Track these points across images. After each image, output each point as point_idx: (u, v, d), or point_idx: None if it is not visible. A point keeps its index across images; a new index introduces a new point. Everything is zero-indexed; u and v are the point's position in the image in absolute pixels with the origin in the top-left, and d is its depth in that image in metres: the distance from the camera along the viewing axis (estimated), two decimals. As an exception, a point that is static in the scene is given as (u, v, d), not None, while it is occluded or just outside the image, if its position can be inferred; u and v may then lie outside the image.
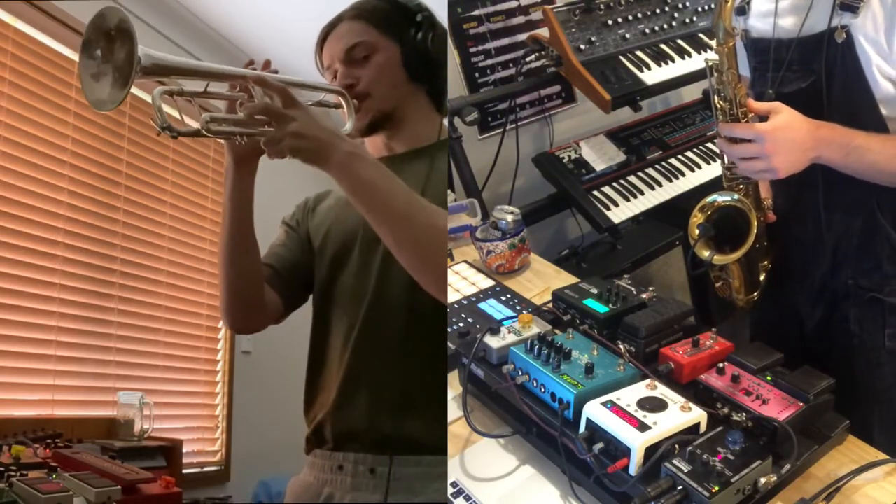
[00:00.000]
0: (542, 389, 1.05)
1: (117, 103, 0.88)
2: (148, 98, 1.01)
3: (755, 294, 1.52)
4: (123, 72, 0.87)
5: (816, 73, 1.28)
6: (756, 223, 1.35)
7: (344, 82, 1.17)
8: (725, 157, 1.37)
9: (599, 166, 2.22)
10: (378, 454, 1.07)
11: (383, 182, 0.97)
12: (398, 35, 1.18)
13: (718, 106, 1.28)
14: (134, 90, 0.93)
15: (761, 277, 1.51)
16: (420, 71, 1.19)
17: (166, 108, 0.95)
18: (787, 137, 1.20)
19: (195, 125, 0.95)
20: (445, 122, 1.24)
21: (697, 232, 1.38)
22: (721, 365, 1.08)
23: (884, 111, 1.25)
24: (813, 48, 1.27)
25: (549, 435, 1.04)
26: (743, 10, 1.42)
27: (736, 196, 1.37)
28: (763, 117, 1.24)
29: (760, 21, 1.39)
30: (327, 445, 1.13)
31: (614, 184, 2.21)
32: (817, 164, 1.25)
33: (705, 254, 1.37)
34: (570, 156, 2.23)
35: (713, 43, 1.27)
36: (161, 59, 0.91)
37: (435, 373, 1.08)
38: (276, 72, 1.03)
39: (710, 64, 1.28)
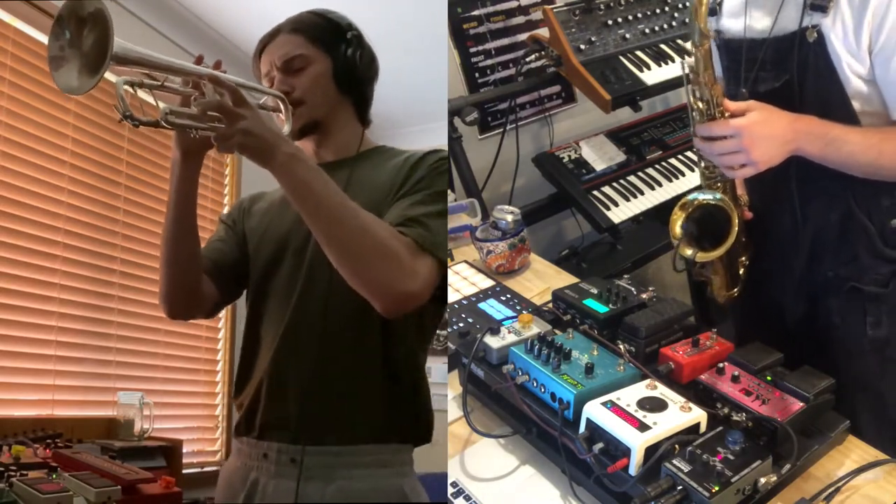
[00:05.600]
0: (542, 389, 1.05)
1: (89, 88, 0.92)
2: (149, 98, 1.02)
3: (735, 290, 1.53)
4: (93, 58, 0.91)
5: (789, 72, 1.29)
6: (737, 220, 1.35)
7: (280, 88, 1.25)
8: (703, 156, 1.38)
9: (599, 166, 2.22)
10: (298, 444, 1.13)
11: (319, 184, 1.03)
12: (330, 50, 1.28)
13: (696, 107, 1.29)
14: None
15: (741, 272, 1.53)
16: (348, 84, 1.28)
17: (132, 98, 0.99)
18: (764, 131, 1.22)
19: (155, 116, 1.00)
20: (366, 133, 1.33)
21: (679, 231, 1.39)
22: (721, 365, 1.09)
23: (856, 106, 1.27)
24: (785, 48, 1.29)
25: (549, 435, 1.04)
26: (714, 11, 1.44)
27: (719, 195, 1.38)
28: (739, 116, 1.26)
29: (732, 21, 1.41)
30: (253, 433, 1.19)
31: (614, 184, 2.21)
32: (791, 158, 1.26)
33: (688, 252, 1.40)
34: (570, 156, 2.23)
35: (688, 45, 1.27)
36: (130, 48, 0.94)
37: (354, 369, 1.14)
38: (224, 72, 1.09)
39: (687, 68, 1.28)
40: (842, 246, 1.36)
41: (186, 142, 1.09)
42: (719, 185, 1.40)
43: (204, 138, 1.03)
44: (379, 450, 1.14)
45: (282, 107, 1.23)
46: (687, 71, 1.28)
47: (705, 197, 1.38)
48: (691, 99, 1.29)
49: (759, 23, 1.34)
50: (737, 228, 1.36)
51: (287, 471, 1.13)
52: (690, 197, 1.40)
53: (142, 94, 1.01)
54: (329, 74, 1.27)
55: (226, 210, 3.04)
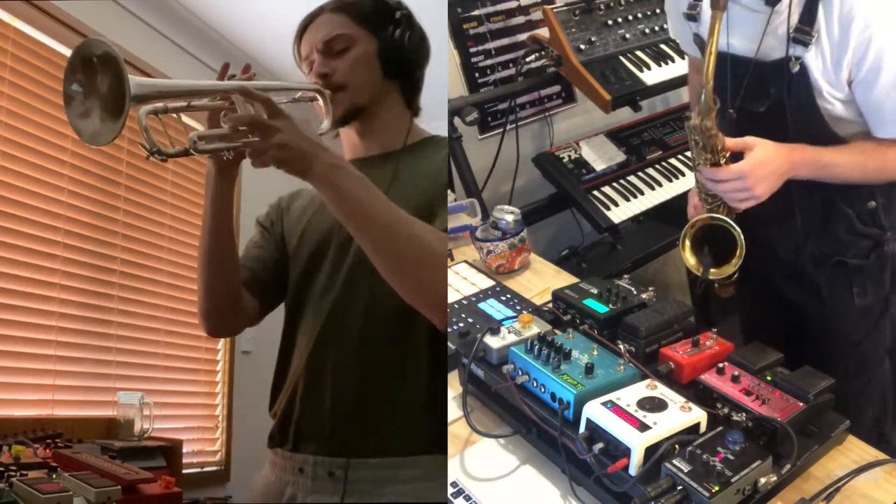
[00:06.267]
0: (542, 389, 1.05)
1: (115, 135, 0.88)
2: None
3: (734, 276, 1.55)
4: (113, 103, 0.87)
5: (775, 96, 1.35)
6: (742, 240, 1.39)
7: (320, 71, 1.18)
8: (700, 185, 1.43)
9: (599, 166, 2.22)
10: (336, 457, 1.08)
11: (364, 194, 0.97)
12: (376, 30, 1.19)
13: (700, 154, 1.35)
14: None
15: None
16: (395, 68, 1.20)
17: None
18: (765, 171, 1.30)
19: (183, 144, 0.96)
20: (416, 121, 1.25)
21: (693, 261, 1.45)
22: (721, 365, 1.09)
23: (833, 124, 1.34)
24: (770, 74, 1.35)
25: (549, 435, 1.04)
26: (694, 18, 1.47)
27: (725, 218, 1.41)
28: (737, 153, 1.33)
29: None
30: (287, 445, 1.14)
31: (614, 184, 2.21)
32: None
33: (701, 271, 1.45)
34: (570, 156, 2.23)
35: (693, 115, 1.31)
36: (149, 85, 0.90)
37: (397, 378, 1.08)
38: (253, 75, 1.04)
39: (692, 127, 1.32)
40: (825, 230, 1.45)
41: (220, 155, 1.04)
42: (719, 206, 1.45)
43: (239, 150, 0.99)
44: (422, 462, 1.07)
45: (320, 99, 1.16)
46: (691, 130, 1.32)
47: (711, 215, 1.43)
48: (694, 147, 1.35)
49: (741, 43, 1.38)
50: (743, 244, 1.39)
51: (325, 485, 1.08)
52: (696, 217, 1.45)
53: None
54: (374, 56, 1.18)
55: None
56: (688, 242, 1.44)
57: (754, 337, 1.66)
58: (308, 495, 1.09)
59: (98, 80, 0.88)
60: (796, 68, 1.30)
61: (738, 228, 1.39)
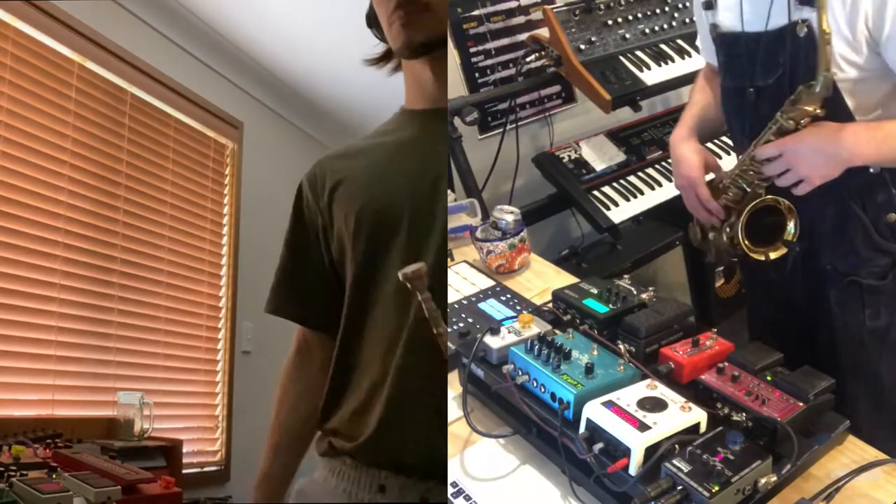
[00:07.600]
0: (542, 389, 1.05)
1: None
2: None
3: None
4: None
5: (782, 67, 1.30)
6: (790, 216, 1.34)
7: None
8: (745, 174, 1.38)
9: (599, 166, 2.22)
10: (428, 482, 0.95)
11: None
12: None
13: (775, 131, 1.28)
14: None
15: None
16: None
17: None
18: (806, 147, 1.24)
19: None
20: None
21: (759, 255, 1.40)
22: (721, 365, 1.08)
23: (849, 100, 1.27)
24: (777, 43, 1.30)
25: (549, 435, 1.04)
26: (710, 5, 1.45)
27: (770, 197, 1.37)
28: None
29: (727, 15, 1.41)
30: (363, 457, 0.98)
31: (614, 184, 2.21)
32: None
33: (761, 258, 1.40)
34: (570, 156, 2.23)
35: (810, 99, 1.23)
36: None
37: None
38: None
39: (803, 111, 1.25)
40: (839, 239, 1.38)
41: None
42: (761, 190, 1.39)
43: None
44: None
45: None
46: (793, 114, 1.26)
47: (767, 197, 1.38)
48: (773, 127, 1.29)
49: (752, 17, 1.34)
50: (794, 210, 1.34)
51: None
52: (749, 206, 1.39)
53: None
54: None
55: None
56: (743, 235, 1.38)
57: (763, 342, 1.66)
58: None
59: None
60: (804, 31, 1.23)
61: (784, 200, 1.33)
